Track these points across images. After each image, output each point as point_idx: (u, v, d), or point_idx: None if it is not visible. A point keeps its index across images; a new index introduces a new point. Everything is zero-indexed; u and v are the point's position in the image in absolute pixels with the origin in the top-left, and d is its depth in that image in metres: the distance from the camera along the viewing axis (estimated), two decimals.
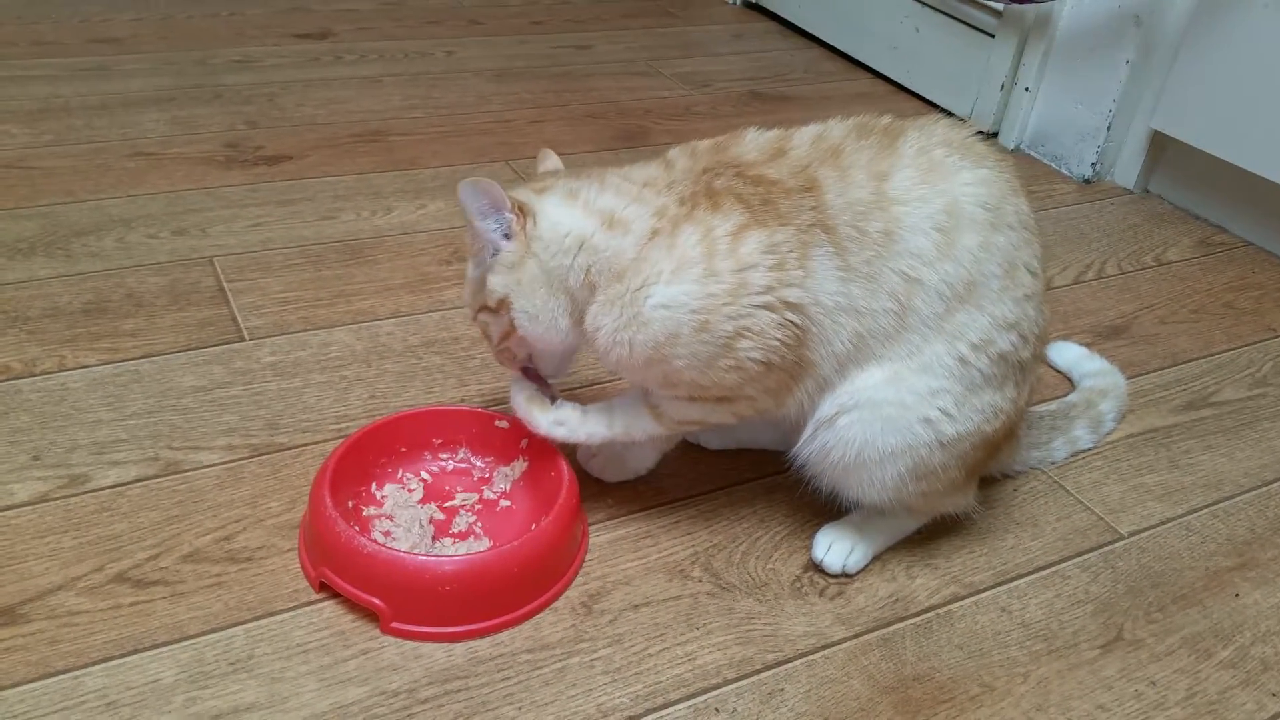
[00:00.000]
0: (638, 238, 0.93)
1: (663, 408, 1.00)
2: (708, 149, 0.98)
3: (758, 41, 2.53)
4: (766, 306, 0.91)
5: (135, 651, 0.89)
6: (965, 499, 1.08)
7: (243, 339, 1.30)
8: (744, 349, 0.92)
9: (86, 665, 0.87)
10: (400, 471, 1.08)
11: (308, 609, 0.95)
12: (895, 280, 0.93)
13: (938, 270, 0.93)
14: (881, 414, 0.96)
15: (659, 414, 1.01)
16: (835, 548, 1.05)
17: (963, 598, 1.05)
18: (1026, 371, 1.02)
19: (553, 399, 1.05)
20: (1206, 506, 1.20)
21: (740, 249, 0.91)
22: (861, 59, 2.41)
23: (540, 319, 0.97)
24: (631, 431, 1.03)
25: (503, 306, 0.97)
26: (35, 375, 1.19)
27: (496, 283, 0.96)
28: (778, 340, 0.92)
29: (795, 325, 0.92)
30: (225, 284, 1.40)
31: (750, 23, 2.64)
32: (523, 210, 0.95)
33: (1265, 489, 1.24)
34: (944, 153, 0.96)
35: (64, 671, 0.87)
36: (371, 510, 1.03)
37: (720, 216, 0.92)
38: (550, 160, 1.08)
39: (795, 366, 0.95)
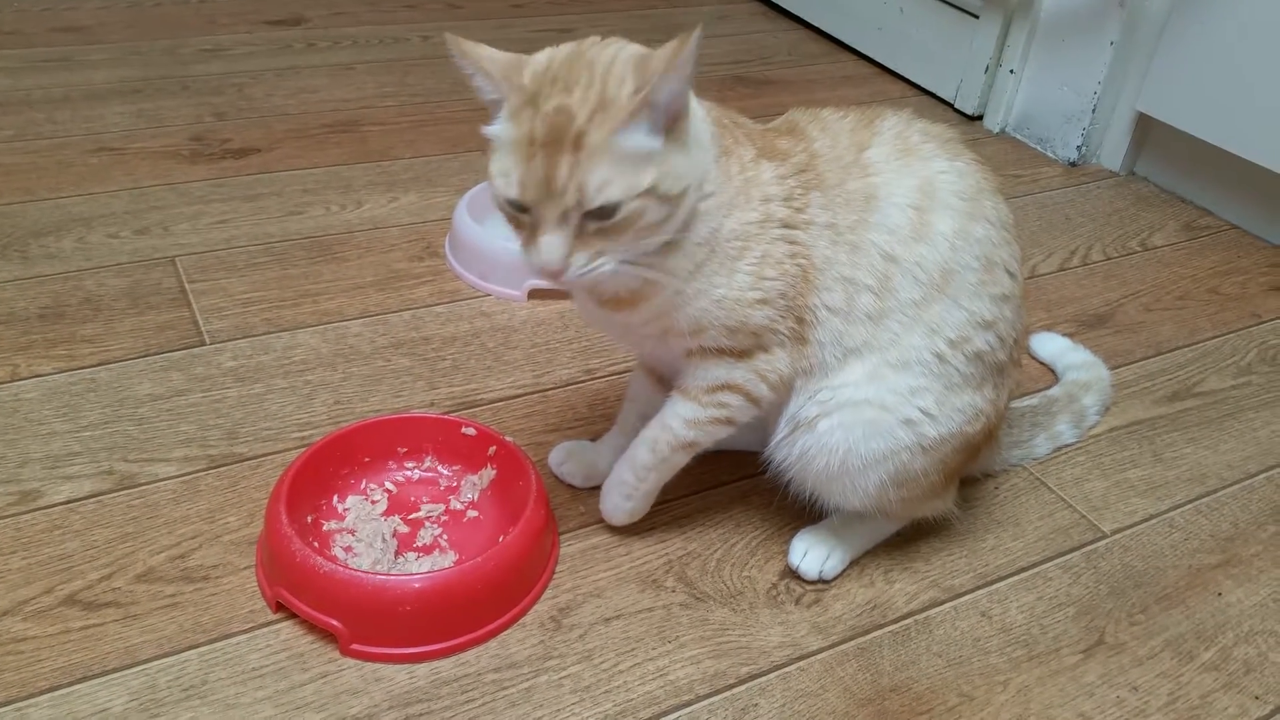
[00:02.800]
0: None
1: (688, 381, 0.96)
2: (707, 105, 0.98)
3: (742, 23, 2.48)
4: (784, 239, 0.91)
5: (84, 679, 0.86)
6: (944, 504, 1.06)
7: (203, 343, 1.26)
8: (769, 278, 0.91)
9: (32, 695, 0.85)
10: (363, 482, 1.05)
11: (264, 630, 0.92)
12: (875, 256, 0.92)
13: (913, 251, 0.92)
14: (863, 417, 0.94)
15: (685, 389, 0.96)
16: (811, 554, 1.03)
17: (942, 602, 1.02)
18: (1005, 375, 1.00)
19: None
20: (1190, 501, 1.18)
21: (762, 176, 0.91)
22: (846, 40, 2.36)
23: None
24: (667, 419, 0.97)
25: None
26: None
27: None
28: (793, 271, 0.91)
29: (802, 259, 0.92)
30: (187, 285, 1.36)
31: (735, 3, 2.59)
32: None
33: (1248, 481, 1.21)
34: (920, 139, 0.96)
35: (7, 704, 0.84)
36: (332, 524, 1.01)
37: (741, 150, 0.92)
38: None
39: (806, 311, 0.93)
